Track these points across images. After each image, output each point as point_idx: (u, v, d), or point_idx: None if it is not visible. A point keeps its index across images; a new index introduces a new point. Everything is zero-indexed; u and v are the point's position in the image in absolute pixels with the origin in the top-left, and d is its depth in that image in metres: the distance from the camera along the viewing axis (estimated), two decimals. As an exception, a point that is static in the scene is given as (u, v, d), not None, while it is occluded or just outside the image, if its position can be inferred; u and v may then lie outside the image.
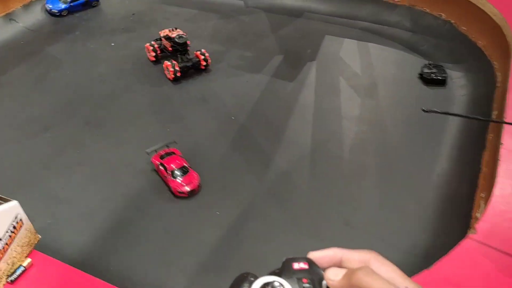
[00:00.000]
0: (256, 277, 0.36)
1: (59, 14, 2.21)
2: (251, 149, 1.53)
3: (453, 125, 1.59)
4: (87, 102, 1.73)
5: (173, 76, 1.71)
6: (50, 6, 2.20)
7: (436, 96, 1.73)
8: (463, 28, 1.88)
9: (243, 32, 2.14)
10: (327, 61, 1.90)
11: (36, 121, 1.64)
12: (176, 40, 1.72)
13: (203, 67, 1.76)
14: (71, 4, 2.23)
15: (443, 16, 1.96)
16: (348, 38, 2.06)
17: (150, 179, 1.41)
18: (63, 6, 2.22)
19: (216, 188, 1.39)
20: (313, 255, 0.37)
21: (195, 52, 1.74)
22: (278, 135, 1.60)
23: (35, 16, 2.22)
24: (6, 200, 1.20)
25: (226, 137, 1.57)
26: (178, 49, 1.75)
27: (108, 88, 1.79)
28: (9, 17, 2.07)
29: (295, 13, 2.29)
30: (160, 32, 1.83)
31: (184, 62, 1.73)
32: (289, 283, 0.35)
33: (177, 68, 1.68)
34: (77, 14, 2.25)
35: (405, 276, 0.36)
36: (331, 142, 1.53)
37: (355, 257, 0.37)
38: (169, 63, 1.69)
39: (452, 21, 1.93)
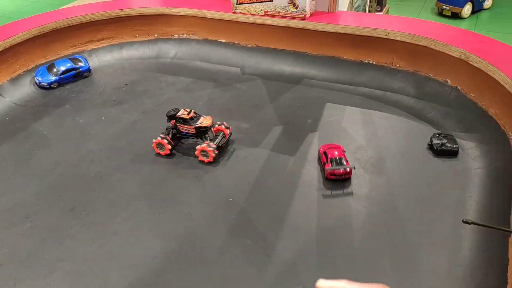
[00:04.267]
0: None
1: (48, 87, 2.13)
2: (251, 236, 1.39)
3: (472, 205, 1.46)
4: (74, 184, 1.60)
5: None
6: (40, 79, 2.11)
7: (449, 169, 1.61)
8: (471, 95, 1.79)
9: (240, 101, 2.04)
10: (329, 132, 1.79)
11: (16, 208, 1.50)
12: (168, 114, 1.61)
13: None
14: (61, 76, 2.15)
15: (449, 82, 1.88)
16: (350, 105, 1.96)
17: (139, 277, 1.26)
18: (53, 78, 2.13)
19: (211, 286, 1.23)
20: (322, 284, 0.37)
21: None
22: (280, 219, 1.46)
23: (23, 89, 2.12)
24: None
25: (224, 223, 1.43)
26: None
27: (97, 168, 1.67)
28: (-5, 92, 1.98)
29: (294, 80, 2.21)
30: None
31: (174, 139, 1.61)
32: None
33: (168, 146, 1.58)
34: (67, 86, 2.16)
35: None
36: (339, 227, 1.38)
37: None
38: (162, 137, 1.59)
39: (459, 87, 1.85)
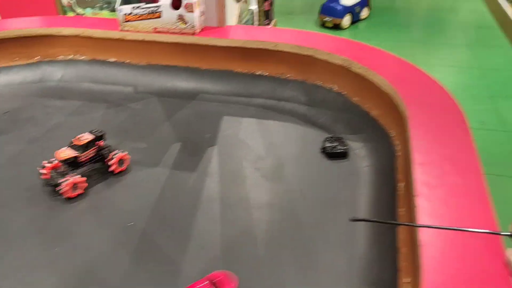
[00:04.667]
0: None
1: None
2: (157, 260, 1.34)
3: (364, 201, 1.56)
4: (-50, 228, 1.43)
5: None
6: None
7: (341, 170, 1.70)
8: (355, 99, 1.92)
9: (136, 121, 1.98)
10: (228, 145, 1.80)
11: None
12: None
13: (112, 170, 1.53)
14: None
15: (336, 88, 2.00)
16: (246, 117, 2.00)
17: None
18: None
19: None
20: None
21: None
22: (185, 238, 1.44)
23: None
24: None
25: (126, 250, 1.36)
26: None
27: (-24, 208, 1.50)
28: None
29: (189, 96, 2.20)
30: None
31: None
32: None
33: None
34: None
35: None
36: (243, 238, 1.39)
37: None
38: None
39: (344, 93, 1.97)
